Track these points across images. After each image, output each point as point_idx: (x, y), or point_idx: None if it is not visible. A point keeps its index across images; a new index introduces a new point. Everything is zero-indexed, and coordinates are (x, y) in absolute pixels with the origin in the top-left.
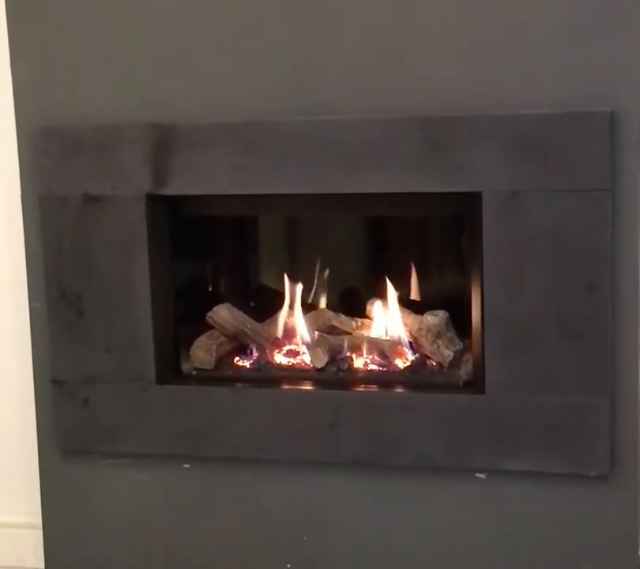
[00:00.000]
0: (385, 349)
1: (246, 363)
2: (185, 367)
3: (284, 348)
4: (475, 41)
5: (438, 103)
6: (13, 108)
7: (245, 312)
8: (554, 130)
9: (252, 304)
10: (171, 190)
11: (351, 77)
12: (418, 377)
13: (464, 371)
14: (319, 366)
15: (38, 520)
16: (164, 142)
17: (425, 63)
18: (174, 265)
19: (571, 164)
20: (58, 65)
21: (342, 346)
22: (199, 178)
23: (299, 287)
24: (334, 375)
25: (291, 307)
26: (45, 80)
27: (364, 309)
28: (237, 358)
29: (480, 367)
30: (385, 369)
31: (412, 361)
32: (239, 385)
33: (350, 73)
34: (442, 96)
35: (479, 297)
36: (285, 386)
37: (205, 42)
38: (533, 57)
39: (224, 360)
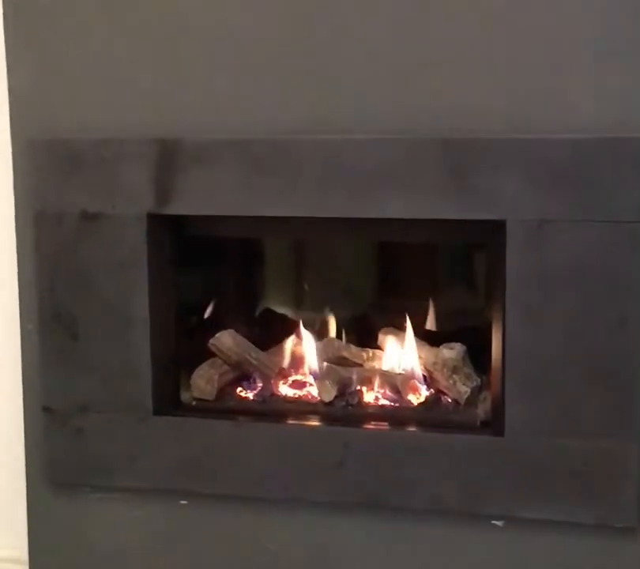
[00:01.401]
0: (397, 383)
1: (250, 395)
2: (184, 396)
3: (289, 378)
4: (504, 60)
5: (461, 125)
6: (8, 119)
7: (249, 339)
8: (586, 156)
9: (257, 330)
10: (174, 209)
11: (368, 94)
12: (432, 414)
13: (482, 409)
14: (327, 400)
15: (24, 555)
16: (168, 158)
17: (448, 81)
18: (175, 289)
19: (604, 193)
20: (57, 74)
21: (352, 379)
22: (204, 197)
23: (308, 314)
24: (343, 410)
25: (299, 335)
26: (44, 90)
27: (376, 339)
28: (240, 388)
29: (499, 407)
30: (397, 405)
31: (426, 397)
32: (241, 418)
33: (367, 90)
34: (466, 117)
35: (500, 332)
36: (290, 421)
37: (213, 54)
38: (566, 78)
39: (225, 390)
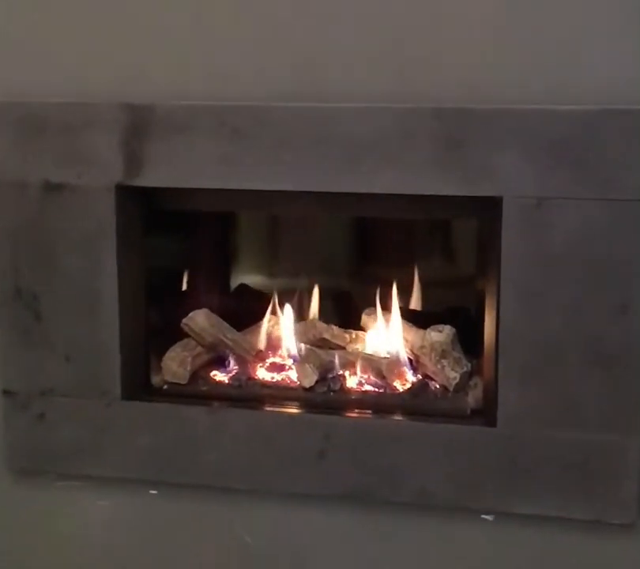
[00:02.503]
0: (382, 368)
1: (225, 378)
2: (155, 380)
3: (267, 361)
4: (503, 25)
5: (457, 93)
6: None
7: (224, 317)
8: (588, 129)
9: (231, 308)
10: (144, 180)
11: (359, 59)
12: (419, 402)
13: (473, 397)
14: (307, 385)
15: None
16: (140, 126)
17: (444, 47)
18: (145, 264)
19: (607, 170)
20: (18, 30)
21: (334, 363)
22: (178, 168)
23: (286, 291)
24: (324, 396)
25: (276, 314)
26: (2, 47)
27: (359, 320)
28: (214, 371)
29: (491, 395)
30: (381, 391)
31: (412, 383)
32: (215, 403)
33: (358, 54)
34: (462, 85)
35: (493, 315)
36: (268, 408)
37: (192, 11)
38: (570, 45)
39: (199, 373)
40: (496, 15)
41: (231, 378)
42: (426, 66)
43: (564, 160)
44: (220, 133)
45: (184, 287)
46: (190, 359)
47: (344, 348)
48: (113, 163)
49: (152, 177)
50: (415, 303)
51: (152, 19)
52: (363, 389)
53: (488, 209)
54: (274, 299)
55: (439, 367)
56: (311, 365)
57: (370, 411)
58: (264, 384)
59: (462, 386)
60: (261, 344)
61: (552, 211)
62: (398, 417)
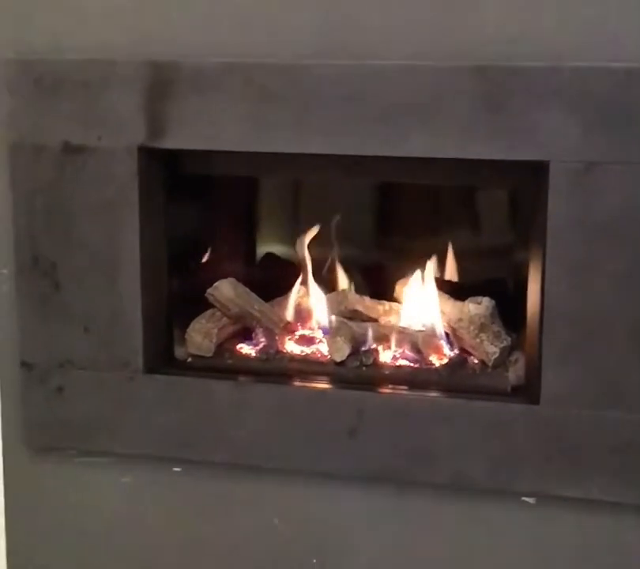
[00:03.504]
0: (418, 342)
1: (252, 351)
2: (179, 352)
3: (296, 333)
4: None
5: (498, 51)
6: None
7: (250, 287)
8: None
9: (258, 278)
10: (168, 142)
11: (390, 13)
12: (457, 378)
13: (514, 373)
14: (339, 359)
15: (1, 523)
16: (163, 84)
17: (485, 1)
18: (168, 231)
19: None
20: None
21: (366, 336)
22: (203, 129)
23: (315, 260)
24: (356, 371)
25: (306, 284)
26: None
27: (393, 291)
28: (240, 344)
29: (534, 371)
30: (417, 366)
31: (449, 358)
32: (242, 378)
33: (392, 9)
34: (504, 42)
35: (537, 287)
36: (297, 383)
37: None
38: None
39: (225, 346)
40: None
41: (258, 352)
42: (464, 22)
43: (615, 122)
44: (247, 92)
45: (208, 256)
46: (215, 331)
47: (377, 320)
48: (135, 124)
49: (176, 139)
50: (450, 274)
51: None
52: (397, 363)
53: (533, 175)
54: (304, 268)
55: (478, 341)
56: (343, 338)
57: (404, 387)
58: (292, 358)
59: (502, 362)
60: (290, 315)
61: (602, 176)
62: (434, 394)
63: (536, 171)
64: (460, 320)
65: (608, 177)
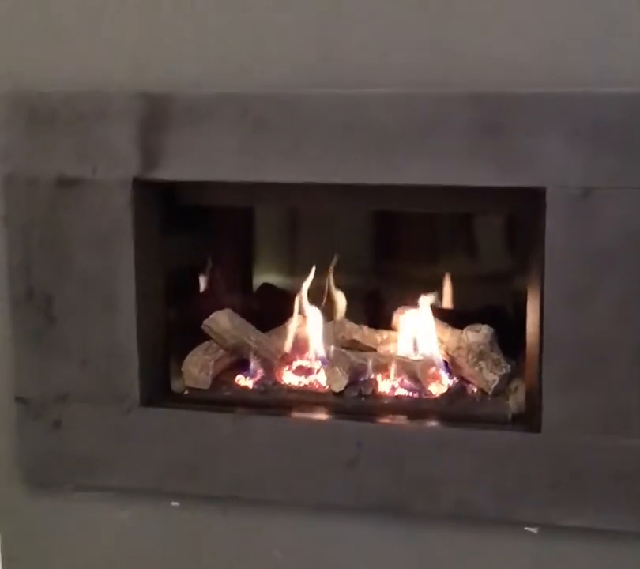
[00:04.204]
0: (416, 371)
1: (249, 383)
2: (175, 385)
3: (294, 364)
4: (543, 4)
5: (495, 77)
6: None
7: (247, 319)
8: (637, 113)
9: (255, 309)
10: (162, 174)
11: (386, 41)
12: (457, 407)
13: (514, 401)
14: (337, 389)
15: None
16: (157, 116)
17: (480, 27)
18: (164, 263)
19: None
20: (29, 16)
21: (365, 365)
22: (198, 160)
23: (312, 290)
24: (355, 401)
25: (303, 314)
26: (13, 33)
27: (391, 320)
28: (238, 376)
29: (535, 399)
30: (416, 395)
31: (449, 387)
32: (240, 410)
33: (386, 36)
34: (500, 69)
35: (537, 313)
36: (296, 414)
37: None
38: (617, 22)
39: (222, 378)
40: None
41: (255, 383)
42: (461, 49)
43: (611, 146)
44: (242, 122)
45: (205, 286)
46: (211, 363)
47: (375, 349)
48: (129, 156)
49: (171, 170)
50: (448, 302)
51: (170, 4)
52: (397, 393)
53: (530, 201)
54: (301, 297)
55: (477, 369)
56: (341, 368)
57: (404, 416)
58: (291, 389)
59: (502, 390)
60: (288, 346)
61: (600, 201)
62: (434, 423)
63: (534, 197)
64: (459, 348)
65: (605, 202)
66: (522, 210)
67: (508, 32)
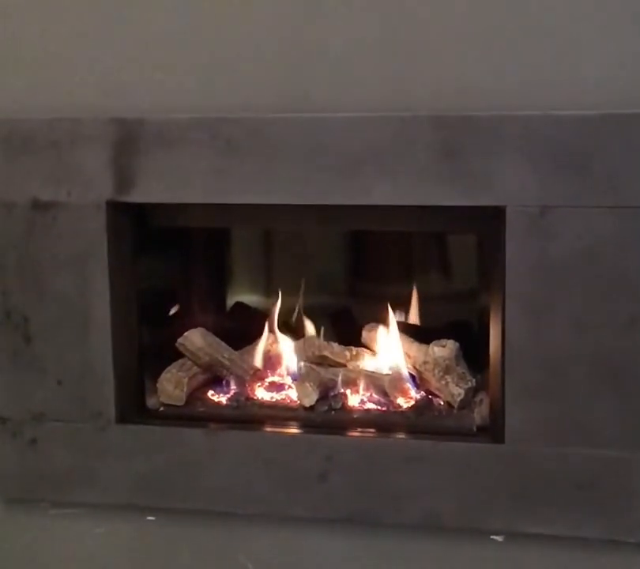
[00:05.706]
0: (385, 385)
1: (223, 399)
2: (150, 402)
3: (266, 380)
4: (501, 29)
5: (455, 101)
6: None
7: (220, 336)
8: (592, 135)
9: (228, 327)
10: (135, 196)
11: (352, 67)
12: (424, 420)
13: (479, 413)
14: (308, 404)
15: None
16: (129, 140)
17: (440, 53)
18: (138, 284)
19: (613, 176)
20: (2, 44)
21: (335, 381)
22: (170, 183)
23: (283, 308)
24: (325, 416)
25: (274, 332)
26: None
27: (359, 336)
28: (211, 392)
29: (498, 411)
30: (384, 409)
31: (416, 400)
32: (213, 425)
33: (351, 62)
34: (460, 93)
35: (499, 328)
36: (268, 428)
37: (179, 21)
38: (568, 49)
39: (196, 395)
40: (494, 20)
41: (228, 399)
42: (422, 74)
43: (567, 167)
44: (212, 146)
45: (178, 306)
46: (186, 380)
47: (344, 365)
48: (103, 179)
49: (143, 193)
50: (415, 318)
51: (139, 31)
52: (366, 407)
53: (490, 220)
54: (272, 316)
55: (443, 383)
56: (311, 383)
57: (373, 430)
58: (263, 404)
59: (467, 403)
60: (259, 363)
61: (557, 220)
62: (402, 436)
63: (495, 216)
64: (425, 363)
65: (562, 220)
66: (485, 229)
67: (467, 57)
